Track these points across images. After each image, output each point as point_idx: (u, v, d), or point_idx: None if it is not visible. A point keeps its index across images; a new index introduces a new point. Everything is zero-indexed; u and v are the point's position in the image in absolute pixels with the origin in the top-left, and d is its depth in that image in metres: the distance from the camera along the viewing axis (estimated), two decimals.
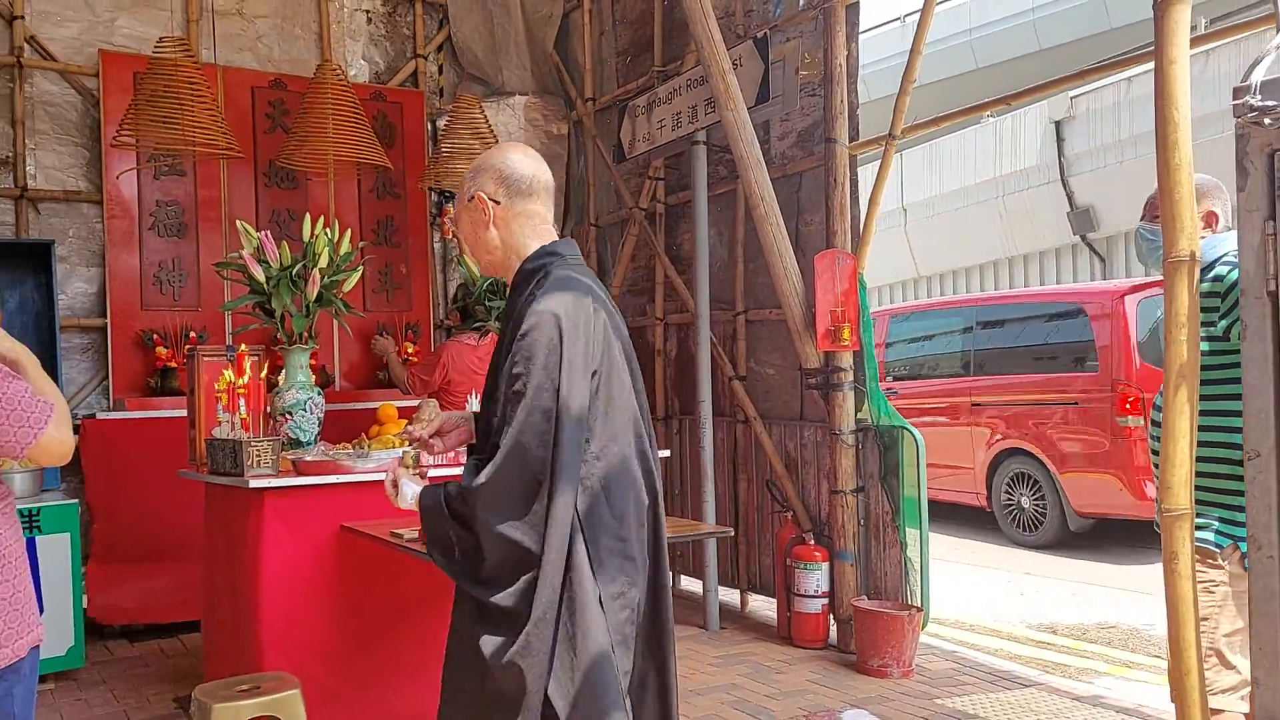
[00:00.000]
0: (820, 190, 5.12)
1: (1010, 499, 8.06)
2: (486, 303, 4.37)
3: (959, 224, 16.35)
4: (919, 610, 4.59)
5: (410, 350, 6.53)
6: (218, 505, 3.94)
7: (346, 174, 6.45)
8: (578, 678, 1.96)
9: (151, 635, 5.37)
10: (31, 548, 4.43)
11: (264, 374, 3.75)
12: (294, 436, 4.01)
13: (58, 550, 4.54)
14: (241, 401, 3.60)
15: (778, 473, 5.38)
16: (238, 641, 3.69)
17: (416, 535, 3.02)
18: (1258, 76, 1.93)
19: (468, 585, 2.07)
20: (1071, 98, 13.95)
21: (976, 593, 6.38)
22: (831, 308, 4.88)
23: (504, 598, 1.99)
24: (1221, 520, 2.69)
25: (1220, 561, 2.68)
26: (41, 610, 4.53)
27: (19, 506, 4.41)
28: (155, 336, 5.94)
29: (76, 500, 4.77)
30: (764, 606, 5.65)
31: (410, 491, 2.19)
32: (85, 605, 4.90)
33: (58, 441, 1.92)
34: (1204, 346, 2.58)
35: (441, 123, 6.77)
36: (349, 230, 4.42)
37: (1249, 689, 2.18)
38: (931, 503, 5.41)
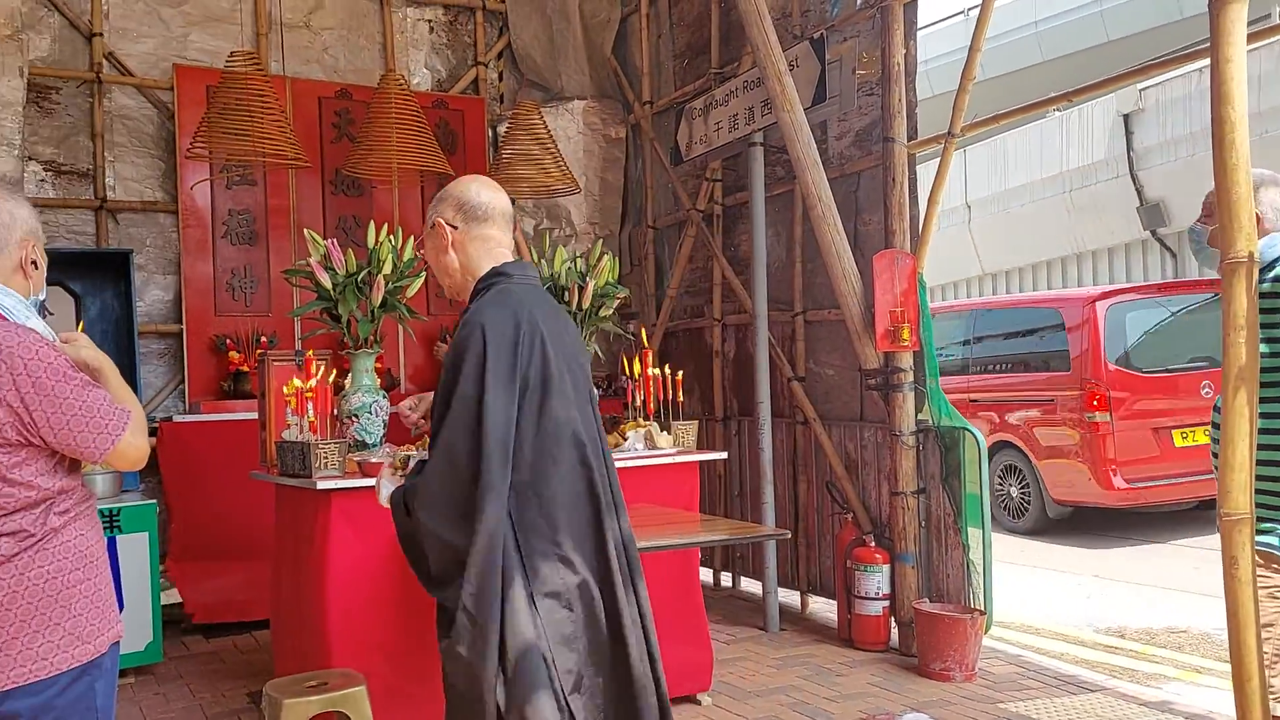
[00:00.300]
0: (878, 190, 5.09)
1: (1001, 488, 8.59)
2: None
3: (1025, 220, 16.06)
4: (981, 613, 4.54)
5: None
6: (287, 506, 4.05)
7: (410, 181, 6.58)
8: (508, 668, 2.05)
9: (227, 631, 5.54)
10: (112, 547, 4.60)
11: (331, 378, 3.86)
12: (360, 439, 4.10)
13: (137, 549, 4.71)
14: (309, 405, 3.70)
15: (838, 474, 5.37)
16: (306, 639, 3.80)
17: None
18: None
19: (424, 583, 2.19)
20: (1140, 90, 13.62)
21: (1042, 595, 6.28)
22: (891, 308, 4.86)
23: (448, 597, 2.12)
24: None
25: None
26: (121, 607, 4.70)
27: (100, 507, 4.59)
28: (228, 341, 6.13)
29: (154, 501, 4.94)
30: (824, 608, 5.64)
31: (385, 490, 2.32)
32: (167, 601, 5.08)
33: (134, 448, 2.01)
34: (1263, 349, 2.53)
35: (502, 129, 6.88)
36: (412, 237, 4.52)
37: None
38: None
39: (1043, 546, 7.86)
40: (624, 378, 4.68)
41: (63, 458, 1.99)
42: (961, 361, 9.21)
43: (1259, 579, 2.39)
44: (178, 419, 5.64)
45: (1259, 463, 2.40)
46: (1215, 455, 2.61)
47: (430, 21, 7.28)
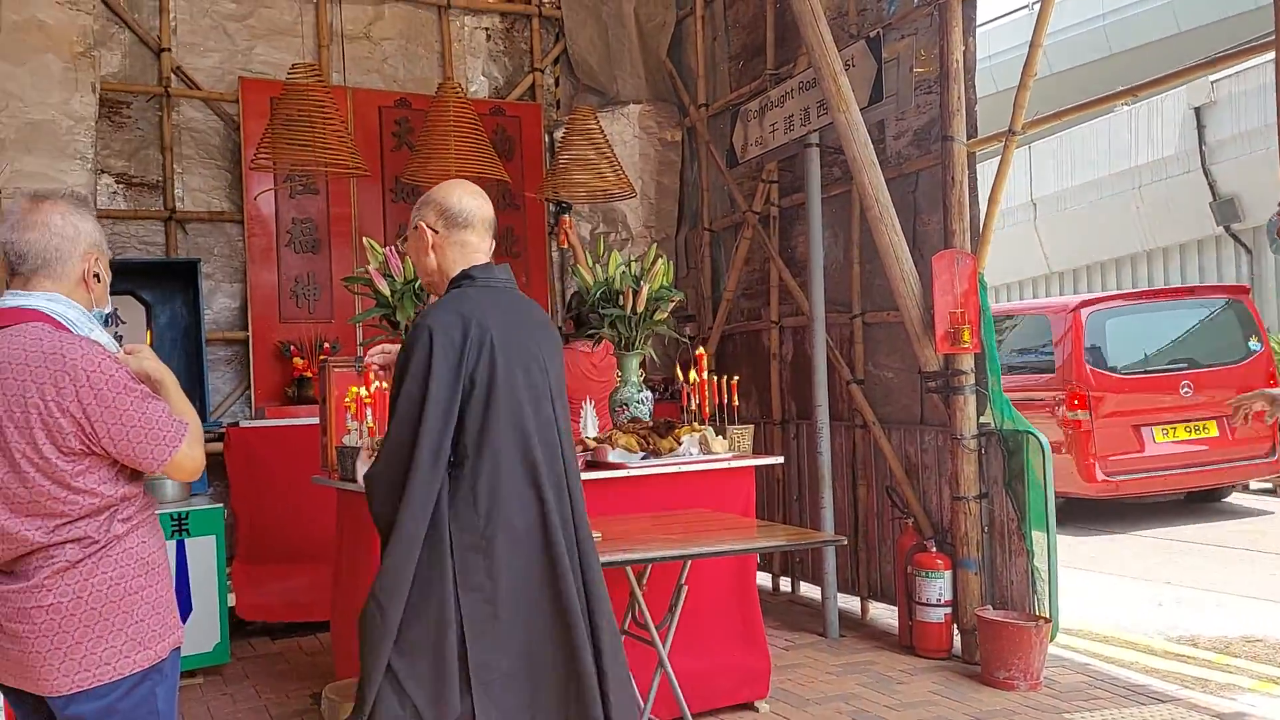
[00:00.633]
0: (937, 189, 5.02)
1: None
2: (599, 310, 4.45)
3: (1093, 217, 15.71)
4: (1047, 621, 4.44)
5: None
6: (347, 509, 4.12)
7: None
8: (413, 649, 2.17)
9: (292, 633, 5.64)
10: (180, 550, 4.72)
11: (388, 384, 3.91)
12: None
13: (204, 552, 4.82)
14: (368, 410, 3.76)
15: (898, 478, 5.30)
16: None
17: None
18: None
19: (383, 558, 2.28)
20: (1212, 82, 13.24)
21: (1111, 602, 6.12)
22: (951, 309, 4.78)
23: None
24: None
25: None
26: (190, 610, 4.80)
27: (170, 510, 4.71)
28: (292, 348, 6.25)
29: (221, 504, 5.05)
30: (885, 614, 5.56)
31: (359, 473, 2.48)
32: (231, 603, 5.19)
33: (190, 459, 2.06)
34: None
35: (558, 134, 6.91)
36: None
37: None
38: None
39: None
40: (679, 382, 4.67)
41: (124, 466, 2.05)
42: None
43: None
44: (244, 424, 5.76)
45: None
46: None
47: (487, 29, 7.35)
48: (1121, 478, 8.05)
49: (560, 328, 7.02)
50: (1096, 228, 15.65)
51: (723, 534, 3.50)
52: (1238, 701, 4.22)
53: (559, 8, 7.38)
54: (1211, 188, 13.95)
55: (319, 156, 5.76)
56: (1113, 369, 8.18)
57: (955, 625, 4.88)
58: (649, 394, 4.58)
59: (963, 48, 4.89)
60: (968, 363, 4.86)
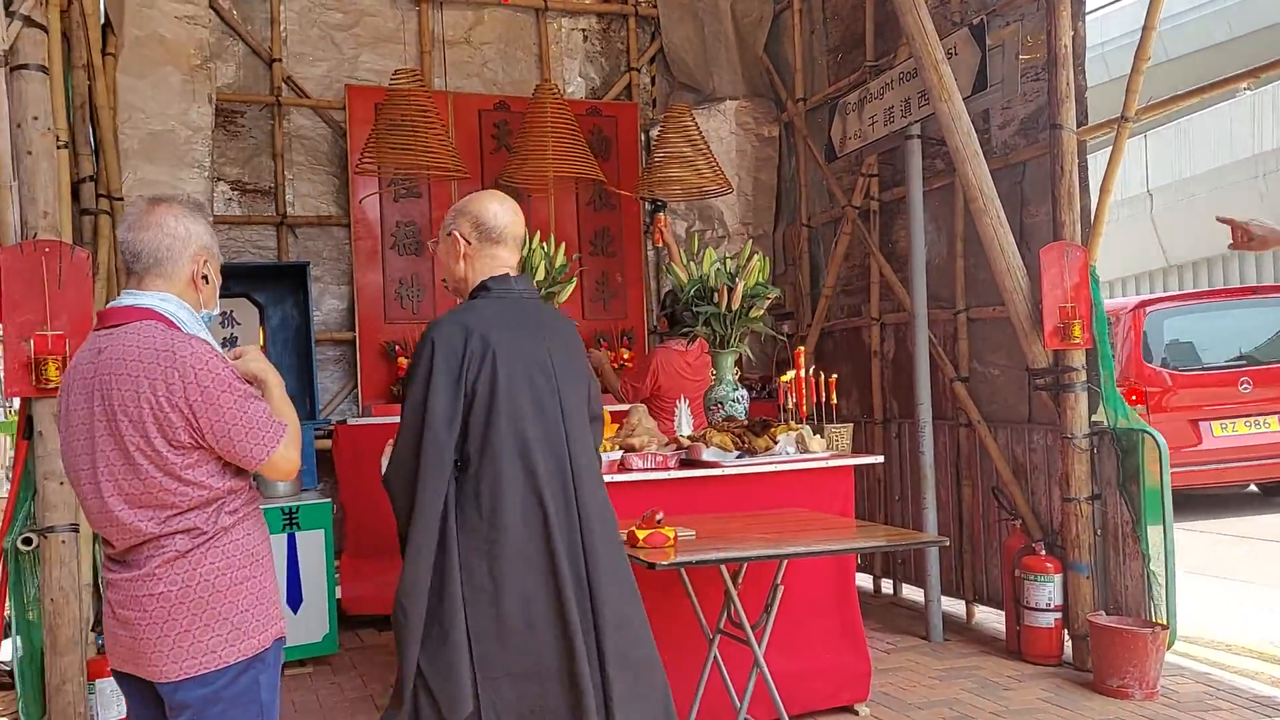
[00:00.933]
0: (1045, 180, 4.85)
1: None
2: (694, 308, 4.43)
3: (1214, 208, 14.97)
4: (1164, 627, 4.25)
5: (626, 357, 6.70)
6: None
7: (565, 188, 6.71)
8: (432, 652, 2.28)
9: None
10: (291, 543, 4.88)
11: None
12: None
13: (313, 545, 4.97)
14: None
15: (1004, 479, 5.14)
16: None
17: (625, 538, 3.10)
18: None
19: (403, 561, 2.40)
20: None
21: (1237, 609, 5.82)
22: (1060, 303, 4.62)
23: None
24: None
25: None
26: (301, 601, 4.95)
27: (281, 505, 4.87)
28: (397, 347, 6.41)
29: (330, 499, 5.20)
30: (991, 619, 5.40)
31: (384, 467, 2.55)
32: (339, 596, 5.34)
33: (286, 460, 2.12)
34: None
35: (654, 132, 6.92)
36: (563, 243, 4.60)
37: None
38: None
39: None
40: (777, 380, 4.62)
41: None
42: None
43: None
44: (351, 422, 5.92)
45: None
46: None
47: (584, 30, 7.40)
48: (1177, 470, 8.11)
49: (654, 327, 7.05)
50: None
51: (819, 534, 3.45)
52: None
53: (655, 6, 7.38)
54: None
55: (420, 160, 5.88)
56: (1173, 367, 8.37)
57: (1066, 631, 4.71)
58: (744, 392, 4.54)
59: (1071, 32, 4.71)
60: (1079, 359, 4.68)
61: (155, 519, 2.03)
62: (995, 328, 5.31)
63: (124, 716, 3.21)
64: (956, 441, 5.60)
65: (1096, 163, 4.82)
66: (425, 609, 2.29)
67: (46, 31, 3.53)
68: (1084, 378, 4.68)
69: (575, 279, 4.50)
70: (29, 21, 3.38)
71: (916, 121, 5.21)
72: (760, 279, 4.56)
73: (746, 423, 4.18)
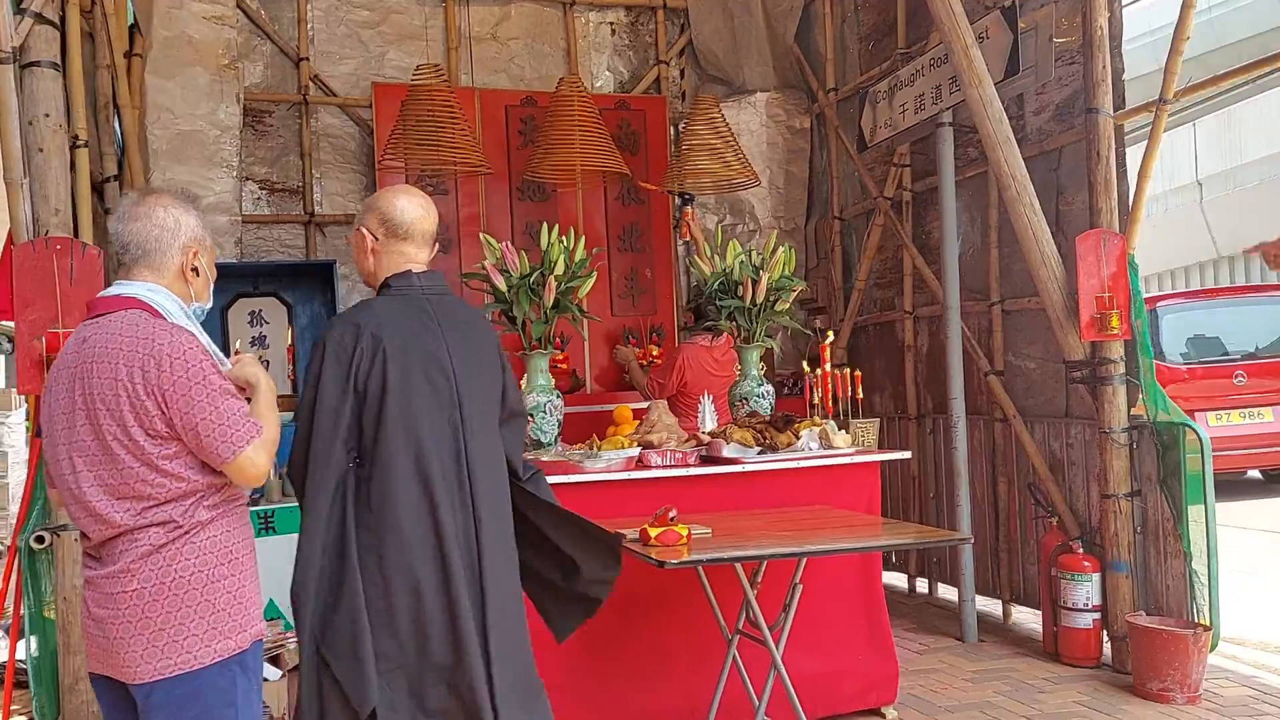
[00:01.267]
0: (1082, 166, 4.69)
1: None
2: (718, 302, 4.34)
3: (1266, 197, 14.55)
4: (1206, 628, 4.09)
5: (655, 353, 6.62)
6: None
7: (593, 183, 6.64)
8: (332, 644, 2.27)
9: None
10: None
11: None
12: (535, 438, 4.15)
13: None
14: None
15: (1040, 475, 4.99)
16: None
17: (637, 536, 3.03)
18: None
19: None
20: None
21: (1268, 605, 5.62)
22: (1097, 293, 4.46)
23: None
24: None
25: None
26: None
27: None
28: None
29: None
30: (1028, 619, 5.25)
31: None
32: None
33: (253, 464, 2.06)
34: None
35: (682, 125, 6.83)
36: (582, 237, 4.53)
37: None
38: None
39: None
40: (806, 374, 4.52)
41: None
42: None
43: None
44: None
45: None
46: None
47: (612, 24, 7.33)
48: None
49: (684, 323, 6.96)
50: (1271, 208, 14.49)
51: (841, 531, 3.34)
52: None
53: None
54: None
55: (445, 156, 5.85)
56: (1171, 361, 8.78)
57: (1105, 631, 4.56)
58: (770, 388, 4.45)
59: (1107, 14, 4.56)
60: (1116, 350, 4.53)
61: (131, 510, 1.99)
62: (1031, 319, 5.16)
63: None
64: (992, 437, 5.45)
65: (1137, 154, 4.65)
66: (316, 598, 2.29)
67: (58, 28, 3.53)
68: (1122, 370, 4.53)
69: (594, 273, 4.43)
70: (40, 18, 3.37)
71: (948, 108, 5.07)
72: (786, 271, 4.46)
73: (769, 418, 4.09)
